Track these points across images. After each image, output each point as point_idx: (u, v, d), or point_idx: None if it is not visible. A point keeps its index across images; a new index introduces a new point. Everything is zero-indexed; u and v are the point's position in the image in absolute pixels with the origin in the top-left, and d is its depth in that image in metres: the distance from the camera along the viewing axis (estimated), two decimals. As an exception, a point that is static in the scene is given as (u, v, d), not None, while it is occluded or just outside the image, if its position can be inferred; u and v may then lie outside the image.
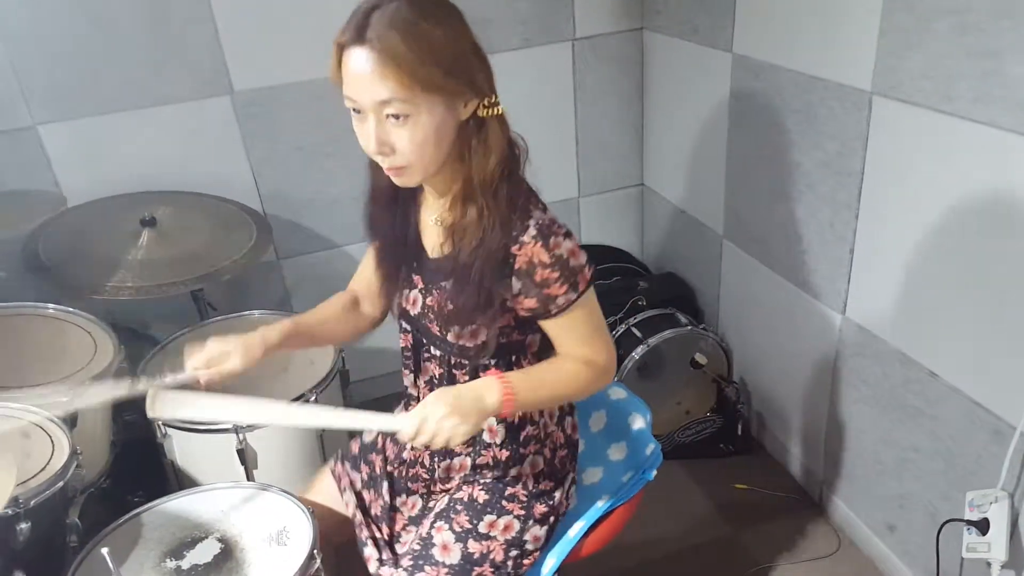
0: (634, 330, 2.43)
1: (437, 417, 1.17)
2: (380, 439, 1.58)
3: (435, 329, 1.34)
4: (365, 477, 1.55)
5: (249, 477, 1.78)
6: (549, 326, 1.29)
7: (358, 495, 1.54)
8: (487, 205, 1.20)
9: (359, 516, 1.51)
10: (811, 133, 1.93)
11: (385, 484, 1.52)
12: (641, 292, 2.59)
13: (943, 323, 1.69)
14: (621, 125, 2.75)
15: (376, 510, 1.51)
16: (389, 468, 1.54)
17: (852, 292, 1.94)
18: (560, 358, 1.32)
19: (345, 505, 1.55)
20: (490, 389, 1.22)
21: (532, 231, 1.20)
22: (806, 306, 2.11)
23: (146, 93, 2.24)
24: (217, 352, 1.32)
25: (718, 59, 2.23)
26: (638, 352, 2.36)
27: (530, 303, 1.25)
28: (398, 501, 1.52)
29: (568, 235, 1.24)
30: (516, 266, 1.22)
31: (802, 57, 1.91)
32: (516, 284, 1.24)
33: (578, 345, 1.30)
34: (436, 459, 1.46)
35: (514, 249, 1.21)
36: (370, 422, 1.29)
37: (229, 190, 2.35)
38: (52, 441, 1.54)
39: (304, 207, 2.53)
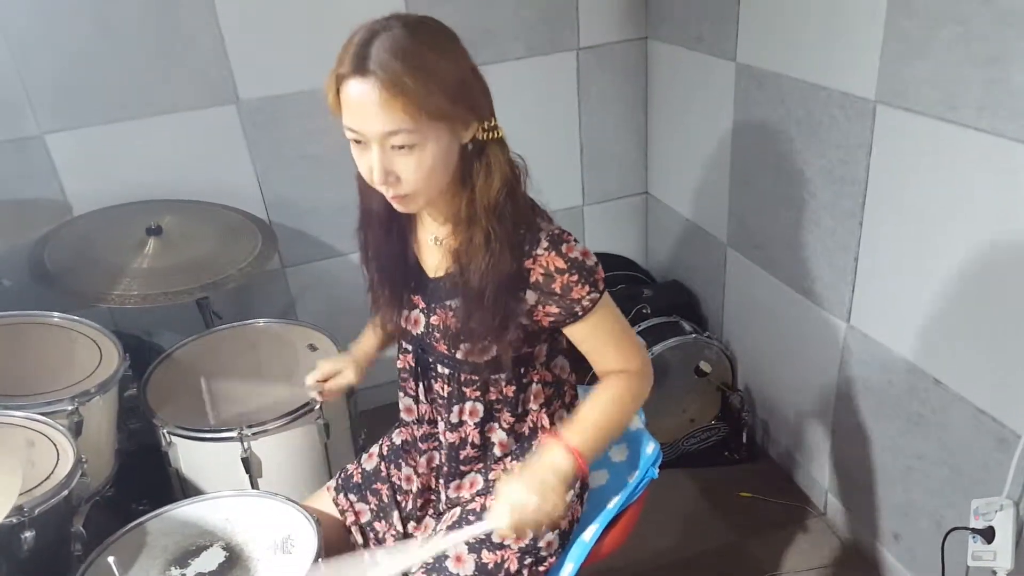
0: (638, 338, 2.43)
1: (532, 509, 1.17)
2: (384, 467, 1.57)
3: (442, 348, 1.33)
4: (374, 507, 1.54)
5: (253, 485, 1.78)
6: (577, 332, 1.29)
7: (367, 528, 1.53)
8: (493, 228, 1.19)
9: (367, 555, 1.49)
10: (814, 141, 1.93)
11: (396, 514, 1.51)
12: (645, 300, 2.59)
13: (948, 331, 1.68)
14: (625, 134, 2.76)
15: (389, 540, 1.50)
16: (399, 497, 1.53)
17: (856, 300, 1.94)
18: (599, 389, 1.32)
19: (353, 543, 1.53)
20: (556, 455, 1.23)
21: (544, 243, 1.21)
22: (810, 314, 2.11)
23: (152, 102, 2.26)
24: (331, 369, 1.57)
25: (722, 68, 2.23)
26: (642, 360, 2.36)
27: (552, 310, 1.25)
28: (410, 527, 1.51)
29: (576, 240, 1.24)
30: (532, 279, 1.23)
31: (805, 66, 1.91)
32: (532, 296, 1.24)
33: (610, 349, 1.31)
34: (447, 481, 1.45)
35: (528, 263, 1.22)
36: (467, 534, 1.30)
37: (234, 198, 2.36)
38: (57, 449, 1.54)
39: (309, 215, 2.53)
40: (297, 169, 2.44)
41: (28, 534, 1.37)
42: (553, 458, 1.23)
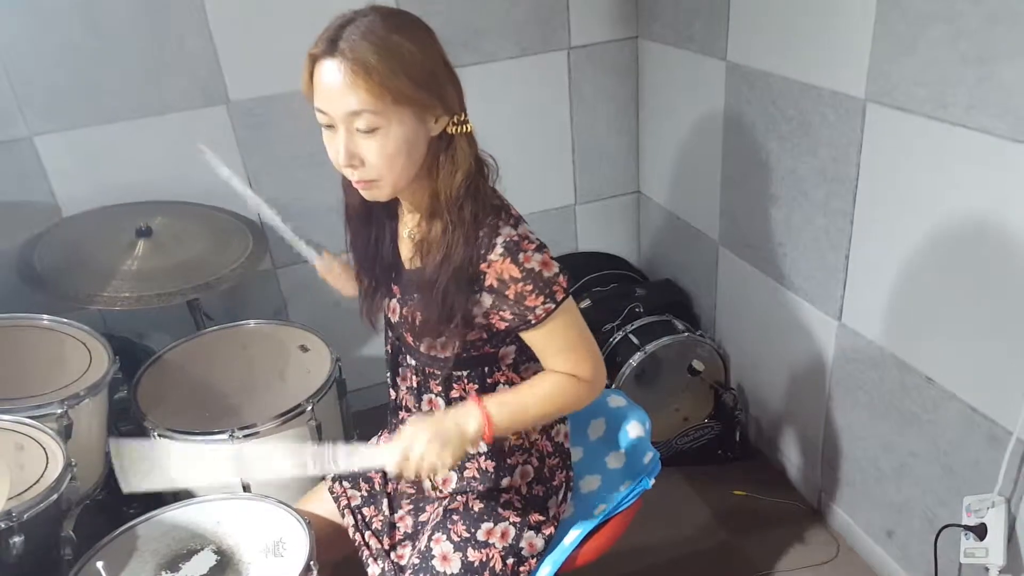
0: (631, 337, 2.43)
1: (420, 444, 1.18)
2: None
3: (409, 339, 1.37)
4: (365, 494, 1.56)
5: (245, 488, 1.77)
6: (531, 338, 1.29)
7: (357, 512, 1.54)
8: (451, 221, 1.21)
9: (359, 538, 1.51)
10: (805, 140, 1.93)
11: (385, 500, 1.53)
12: (638, 299, 2.58)
13: (939, 328, 1.69)
14: (617, 133, 2.76)
15: (377, 524, 1.52)
16: (389, 488, 1.55)
17: (848, 298, 1.94)
18: (542, 375, 1.32)
19: (346, 526, 1.55)
20: (470, 415, 1.23)
21: (499, 248, 1.21)
22: (802, 312, 2.11)
23: (142, 103, 2.24)
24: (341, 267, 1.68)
25: (713, 67, 2.23)
26: (635, 359, 2.36)
27: (507, 316, 1.25)
28: (396, 516, 1.53)
29: (539, 248, 1.23)
30: (487, 283, 1.23)
31: (796, 64, 1.91)
32: (488, 300, 1.25)
33: (561, 356, 1.30)
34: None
35: (483, 267, 1.22)
36: (356, 462, 1.27)
37: (225, 199, 2.34)
38: (46, 453, 1.53)
39: (300, 216, 2.49)
40: (288, 170, 2.43)
41: (17, 539, 1.36)
42: (464, 416, 1.23)
